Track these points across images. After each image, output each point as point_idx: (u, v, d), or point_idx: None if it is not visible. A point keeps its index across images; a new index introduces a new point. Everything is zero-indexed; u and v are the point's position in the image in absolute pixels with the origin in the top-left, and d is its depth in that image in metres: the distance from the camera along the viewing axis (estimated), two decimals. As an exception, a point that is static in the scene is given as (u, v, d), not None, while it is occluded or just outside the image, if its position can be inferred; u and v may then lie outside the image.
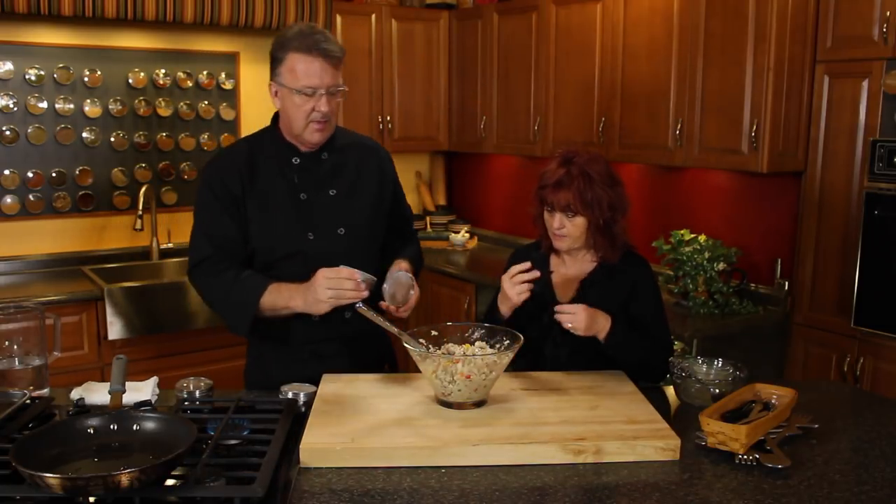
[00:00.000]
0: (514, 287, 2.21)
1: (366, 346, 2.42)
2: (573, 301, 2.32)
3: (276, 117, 2.36)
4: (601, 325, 2.20)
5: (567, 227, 2.27)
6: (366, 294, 2.11)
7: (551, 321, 2.32)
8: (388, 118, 4.97)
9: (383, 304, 2.21)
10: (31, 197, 4.23)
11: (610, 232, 2.28)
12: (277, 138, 2.33)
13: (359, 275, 2.10)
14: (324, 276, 2.11)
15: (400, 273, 2.26)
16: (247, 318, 2.23)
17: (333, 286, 2.10)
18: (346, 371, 2.28)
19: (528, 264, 2.22)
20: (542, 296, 2.36)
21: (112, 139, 4.41)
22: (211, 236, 2.29)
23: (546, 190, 2.27)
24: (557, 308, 2.19)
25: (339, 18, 4.69)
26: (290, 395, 2.07)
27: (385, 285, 2.23)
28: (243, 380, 2.50)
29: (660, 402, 2.03)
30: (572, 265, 2.39)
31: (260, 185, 2.30)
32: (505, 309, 2.26)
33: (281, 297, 2.20)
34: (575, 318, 2.16)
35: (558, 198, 2.24)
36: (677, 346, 3.20)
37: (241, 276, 2.25)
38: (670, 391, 2.22)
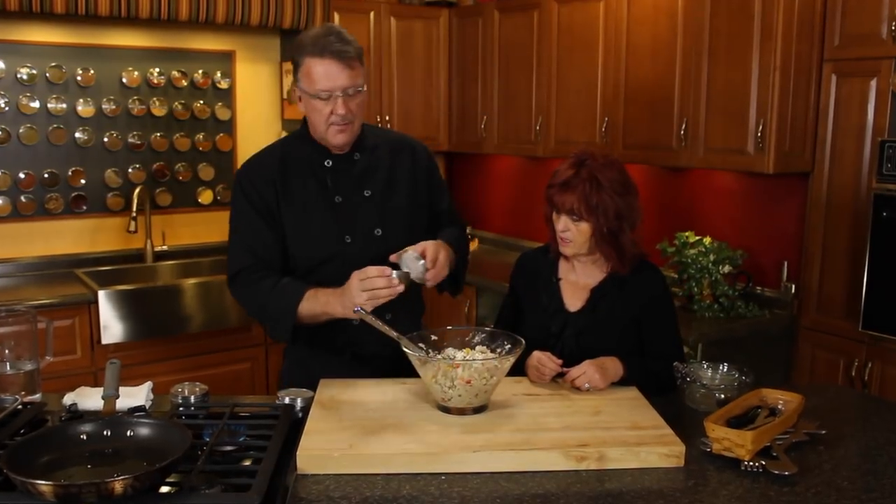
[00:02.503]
0: (535, 372, 2.21)
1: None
2: (582, 310, 2.31)
3: (305, 122, 2.36)
4: (613, 371, 2.17)
5: (572, 232, 2.25)
6: (401, 289, 2.09)
7: (557, 330, 2.32)
8: (388, 118, 4.97)
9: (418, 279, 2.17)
10: (22, 198, 4.24)
11: (616, 242, 2.24)
12: (308, 141, 2.35)
13: (388, 270, 2.08)
14: (357, 278, 2.09)
15: (405, 255, 2.19)
16: (287, 325, 2.24)
17: (367, 287, 2.07)
18: (389, 373, 2.27)
19: (560, 362, 2.18)
20: (549, 303, 2.36)
21: (105, 139, 4.41)
22: (248, 245, 2.31)
23: (553, 190, 2.26)
24: (566, 377, 2.16)
25: (336, 16, 4.70)
26: (286, 400, 2.07)
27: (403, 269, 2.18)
28: (278, 383, 2.51)
29: (664, 408, 2.03)
30: (582, 272, 2.36)
31: (293, 190, 2.31)
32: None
33: (318, 304, 2.20)
34: (587, 376, 2.13)
35: (563, 200, 2.23)
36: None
37: (279, 283, 2.26)
38: (675, 396, 2.22)
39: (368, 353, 2.37)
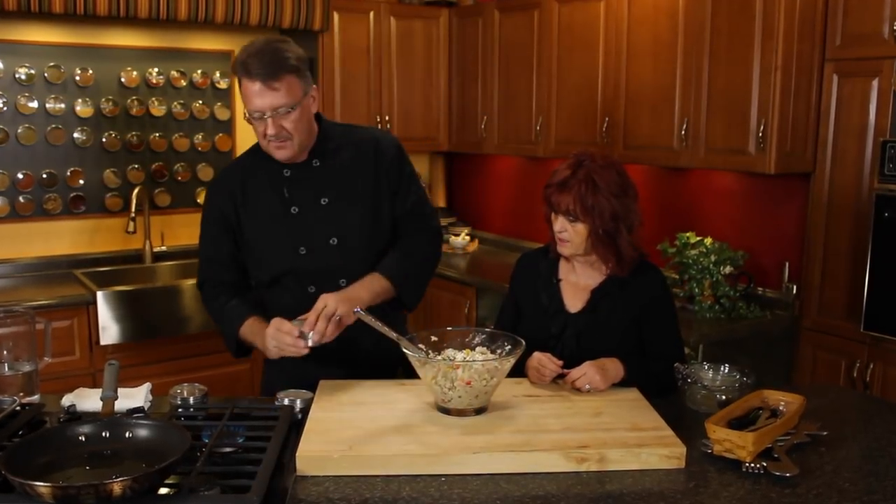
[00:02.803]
0: (535, 374, 2.21)
1: (381, 349, 2.33)
2: (582, 312, 2.31)
3: None
4: (613, 372, 2.17)
5: (568, 232, 2.25)
6: (305, 351, 2.12)
7: (558, 331, 2.32)
8: (387, 118, 4.97)
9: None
10: (21, 199, 4.24)
11: (613, 243, 2.24)
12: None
13: (297, 331, 2.10)
14: (273, 327, 2.15)
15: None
16: (231, 346, 2.37)
17: (276, 341, 2.14)
18: (357, 374, 2.27)
19: (560, 363, 2.19)
20: (550, 304, 2.36)
21: (104, 139, 4.41)
22: (208, 257, 2.42)
23: (550, 190, 2.26)
24: (566, 378, 2.16)
25: (336, 16, 4.70)
26: (286, 401, 2.07)
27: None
28: (260, 387, 2.54)
29: (665, 409, 2.03)
30: (582, 273, 2.36)
31: (253, 201, 2.33)
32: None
33: (251, 335, 2.28)
34: (588, 377, 2.13)
35: (559, 200, 2.23)
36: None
37: (227, 304, 2.36)
38: (675, 397, 2.22)
39: (345, 355, 2.35)
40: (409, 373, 2.50)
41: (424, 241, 2.44)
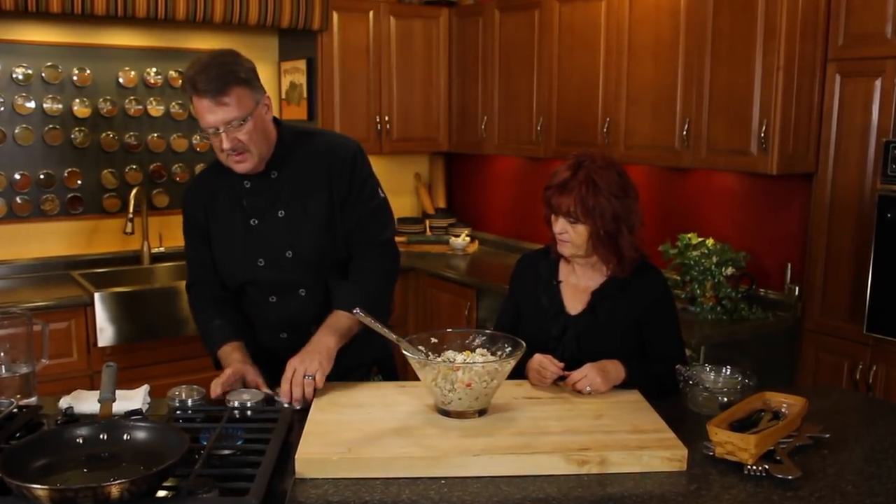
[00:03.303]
0: (536, 376, 2.21)
1: (348, 351, 2.32)
2: (583, 313, 2.31)
3: None
4: (614, 374, 2.18)
5: (569, 233, 2.25)
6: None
7: (558, 333, 2.32)
8: (387, 118, 4.97)
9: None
10: (18, 199, 4.24)
11: (615, 244, 2.25)
12: None
13: (235, 395, 2.09)
14: (227, 372, 2.19)
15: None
16: (213, 358, 2.41)
17: (231, 384, 2.17)
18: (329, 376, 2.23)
19: (561, 365, 2.19)
20: (550, 306, 2.36)
21: (102, 140, 4.41)
22: (193, 262, 2.48)
23: (550, 191, 2.26)
24: (567, 381, 2.17)
25: (335, 15, 4.70)
26: (236, 402, 2.05)
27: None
28: None
29: (666, 411, 2.03)
30: (582, 275, 2.37)
31: (218, 212, 2.38)
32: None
33: (224, 361, 2.30)
34: (588, 379, 2.14)
35: (560, 202, 2.23)
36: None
37: (211, 323, 2.39)
38: (677, 400, 2.22)
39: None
40: (386, 374, 2.52)
41: (375, 258, 2.40)
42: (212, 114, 2.14)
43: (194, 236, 2.44)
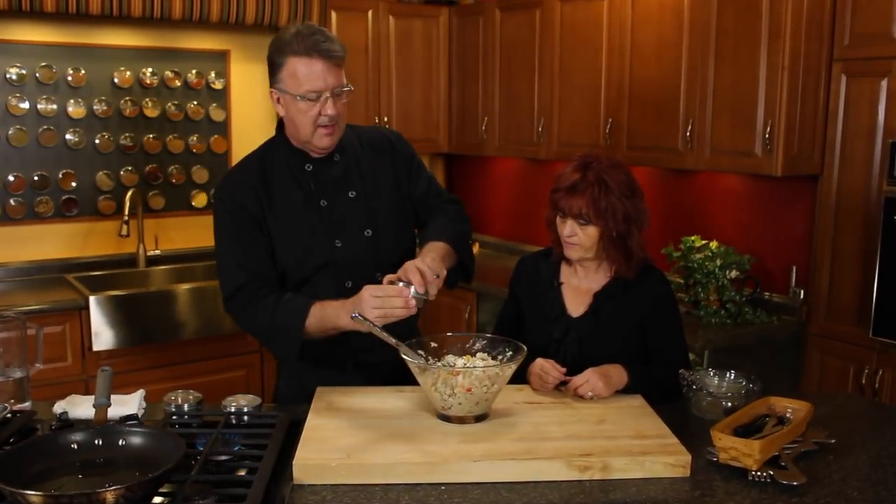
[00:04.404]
0: (538, 380, 2.21)
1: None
2: (585, 315, 2.31)
3: (280, 125, 2.34)
4: (617, 379, 2.18)
5: (578, 236, 2.25)
6: (414, 311, 2.04)
7: (559, 336, 2.32)
8: (386, 119, 4.97)
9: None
10: (11, 202, 4.24)
11: (624, 245, 2.25)
12: (286, 147, 2.32)
13: (408, 291, 2.02)
14: (370, 294, 2.02)
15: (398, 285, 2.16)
16: (294, 343, 2.19)
17: (380, 305, 2.01)
18: (389, 384, 2.25)
19: (564, 370, 2.19)
20: (551, 308, 2.36)
21: (97, 141, 4.42)
22: (239, 262, 2.26)
23: (559, 194, 2.25)
24: (569, 385, 2.17)
25: (334, 15, 4.71)
26: (232, 407, 2.05)
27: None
28: (273, 394, 2.50)
29: (669, 416, 2.03)
30: (585, 277, 2.37)
31: (277, 199, 2.30)
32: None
33: (327, 318, 2.14)
34: (590, 384, 2.14)
35: (570, 204, 2.22)
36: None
37: (282, 299, 2.21)
38: (680, 404, 2.22)
39: (370, 362, 2.34)
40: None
41: (454, 209, 2.49)
42: (327, 76, 2.15)
43: (247, 230, 2.27)
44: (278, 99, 2.23)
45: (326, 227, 2.30)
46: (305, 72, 2.14)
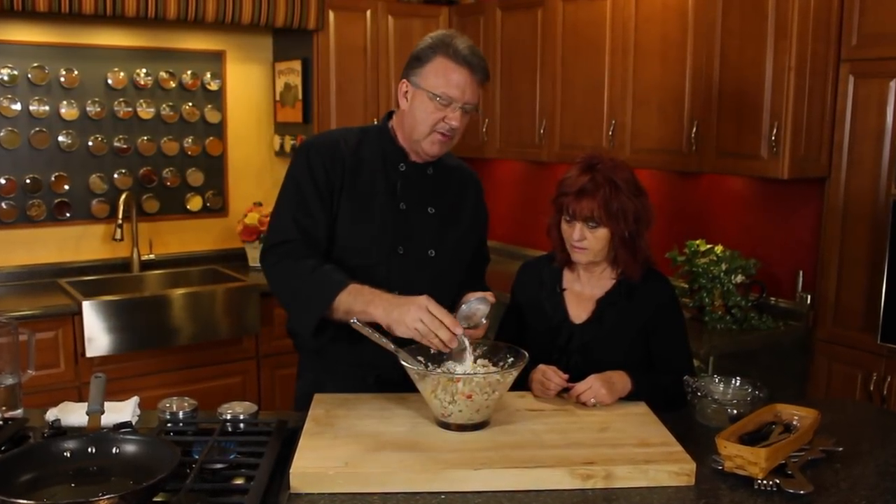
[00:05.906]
0: (539, 387, 2.22)
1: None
2: (588, 322, 2.32)
3: (388, 116, 2.37)
4: (620, 386, 2.19)
5: (588, 240, 2.25)
6: (446, 350, 2.03)
7: (562, 342, 2.33)
8: (385, 121, 4.97)
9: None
10: (3, 205, 4.25)
11: (633, 245, 2.26)
12: (388, 138, 2.34)
13: (460, 328, 1.99)
14: (425, 305, 1.99)
15: (474, 298, 2.20)
16: (315, 315, 2.13)
17: (427, 322, 1.97)
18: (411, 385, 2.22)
19: (566, 376, 2.20)
20: (554, 315, 2.36)
21: (90, 143, 4.42)
22: (296, 219, 2.24)
23: (568, 198, 2.25)
24: (571, 392, 2.17)
25: (331, 14, 4.71)
26: (228, 414, 2.05)
27: (464, 305, 2.18)
28: (294, 402, 2.49)
29: (674, 424, 2.04)
30: (588, 282, 2.37)
31: (360, 182, 2.29)
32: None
33: (360, 300, 2.07)
34: (593, 391, 2.15)
35: (581, 207, 2.22)
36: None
37: (322, 267, 2.16)
38: (685, 412, 2.22)
39: (392, 380, 2.26)
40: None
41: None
42: (467, 88, 2.20)
43: (318, 192, 2.24)
44: (406, 91, 2.26)
45: (396, 230, 2.29)
46: (449, 75, 2.19)
